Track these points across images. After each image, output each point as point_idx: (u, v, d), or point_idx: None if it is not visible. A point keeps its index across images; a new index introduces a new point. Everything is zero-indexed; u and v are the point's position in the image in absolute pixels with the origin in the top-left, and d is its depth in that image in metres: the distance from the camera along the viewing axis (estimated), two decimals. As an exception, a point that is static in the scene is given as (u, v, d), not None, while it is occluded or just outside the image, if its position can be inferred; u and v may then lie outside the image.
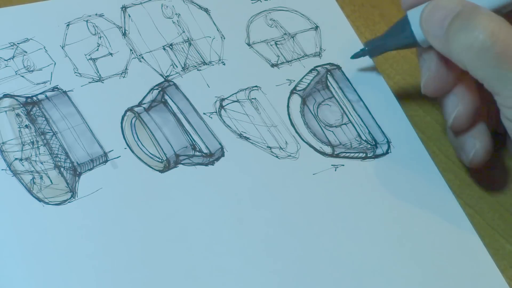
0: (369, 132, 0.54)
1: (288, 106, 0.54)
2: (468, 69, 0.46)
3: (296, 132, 0.53)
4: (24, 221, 0.45)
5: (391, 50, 0.54)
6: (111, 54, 0.54)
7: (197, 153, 0.50)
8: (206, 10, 0.58)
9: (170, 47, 0.55)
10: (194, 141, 0.51)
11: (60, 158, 0.48)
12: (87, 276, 0.44)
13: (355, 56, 0.55)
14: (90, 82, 0.52)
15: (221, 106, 0.53)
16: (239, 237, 0.47)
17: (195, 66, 0.54)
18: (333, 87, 0.55)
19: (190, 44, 0.55)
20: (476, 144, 0.50)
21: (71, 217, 0.46)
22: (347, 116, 0.54)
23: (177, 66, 0.54)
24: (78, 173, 0.48)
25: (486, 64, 0.44)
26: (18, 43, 0.52)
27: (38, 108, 0.49)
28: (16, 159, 0.47)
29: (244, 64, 0.55)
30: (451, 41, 0.46)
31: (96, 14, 0.55)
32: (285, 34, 0.58)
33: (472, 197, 0.52)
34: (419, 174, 0.52)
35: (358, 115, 0.54)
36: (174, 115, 0.51)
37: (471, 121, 0.50)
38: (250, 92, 0.54)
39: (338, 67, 0.56)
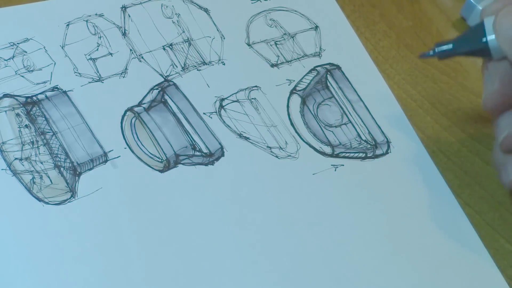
0: (369, 132, 0.54)
1: (288, 106, 0.54)
2: None
3: (296, 132, 0.53)
4: (24, 221, 0.45)
5: (461, 55, 0.50)
6: (111, 54, 0.54)
7: (197, 153, 0.50)
8: (206, 10, 0.58)
9: (170, 47, 0.55)
10: (194, 141, 0.51)
11: (60, 158, 0.48)
12: (87, 276, 0.44)
13: (423, 56, 0.52)
14: (90, 82, 0.52)
15: (221, 106, 0.53)
16: (239, 236, 0.47)
17: (195, 66, 0.54)
18: (333, 87, 0.55)
19: (190, 44, 0.55)
20: None
21: (71, 216, 0.46)
22: (347, 116, 0.54)
23: (177, 66, 0.54)
24: (78, 173, 0.48)
25: None
26: (18, 43, 0.52)
27: (38, 108, 0.49)
28: (16, 158, 0.47)
29: (244, 64, 0.55)
30: None
31: (96, 14, 0.55)
32: (285, 34, 0.58)
33: (472, 197, 0.52)
34: (419, 174, 0.52)
35: (358, 115, 0.54)
36: (174, 115, 0.51)
37: None
38: (250, 92, 0.54)
39: (338, 67, 0.57)
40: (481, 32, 0.47)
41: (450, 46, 0.50)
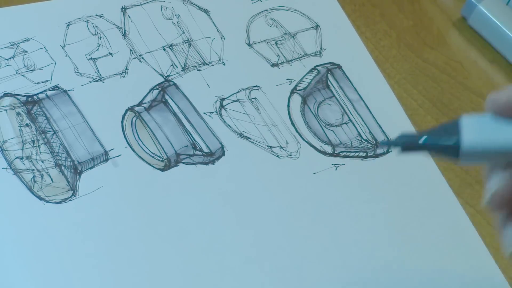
0: (370, 132, 0.54)
1: (288, 106, 0.54)
2: None
3: (297, 131, 0.53)
4: (25, 220, 0.45)
5: (427, 152, 0.40)
6: (111, 54, 0.54)
7: (198, 152, 0.50)
8: (205, 11, 0.58)
9: (170, 47, 0.55)
10: (195, 140, 0.51)
11: (60, 156, 0.48)
12: (88, 274, 0.44)
13: (383, 143, 0.50)
14: (90, 82, 0.52)
15: (222, 106, 0.53)
16: (239, 235, 0.47)
17: (195, 66, 0.54)
18: (334, 87, 0.55)
19: (190, 44, 0.55)
20: None
21: (72, 215, 0.46)
22: (347, 115, 0.54)
23: (177, 66, 0.54)
24: (78, 171, 0.48)
25: None
26: (18, 43, 0.52)
27: (38, 107, 0.49)
28: (17, 157, 0.47)
29: (244, 64, 0.55)
30: None
31: (96, 15, 0.55)
32: (285, 33, 0.58)
33: (472, 196, 0.52)
34: (419, 173, 0.52)
35: (359, 115, 0.54)
36: (175, 114, 0.51)
37: None
38: (250, 91, 0.54)
39: (339, 66, 0.57)
40: (455, 133, 0.37)
41: (416, 140, 0.40)
